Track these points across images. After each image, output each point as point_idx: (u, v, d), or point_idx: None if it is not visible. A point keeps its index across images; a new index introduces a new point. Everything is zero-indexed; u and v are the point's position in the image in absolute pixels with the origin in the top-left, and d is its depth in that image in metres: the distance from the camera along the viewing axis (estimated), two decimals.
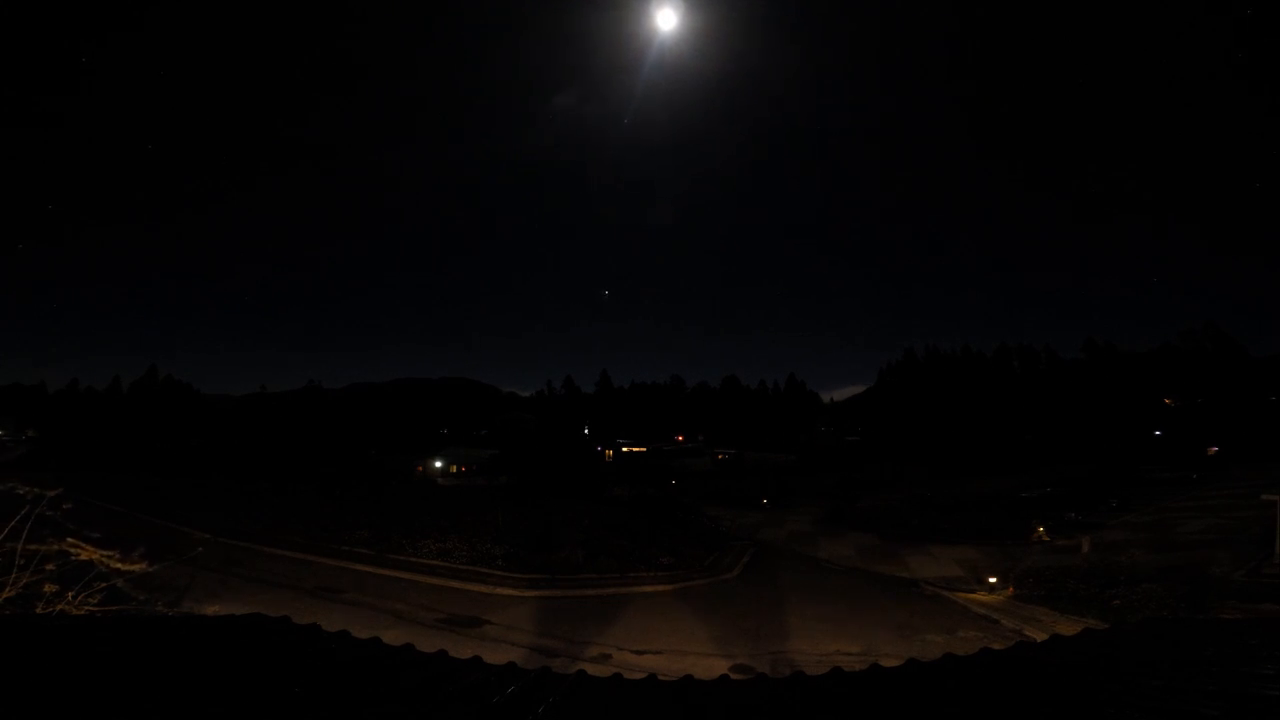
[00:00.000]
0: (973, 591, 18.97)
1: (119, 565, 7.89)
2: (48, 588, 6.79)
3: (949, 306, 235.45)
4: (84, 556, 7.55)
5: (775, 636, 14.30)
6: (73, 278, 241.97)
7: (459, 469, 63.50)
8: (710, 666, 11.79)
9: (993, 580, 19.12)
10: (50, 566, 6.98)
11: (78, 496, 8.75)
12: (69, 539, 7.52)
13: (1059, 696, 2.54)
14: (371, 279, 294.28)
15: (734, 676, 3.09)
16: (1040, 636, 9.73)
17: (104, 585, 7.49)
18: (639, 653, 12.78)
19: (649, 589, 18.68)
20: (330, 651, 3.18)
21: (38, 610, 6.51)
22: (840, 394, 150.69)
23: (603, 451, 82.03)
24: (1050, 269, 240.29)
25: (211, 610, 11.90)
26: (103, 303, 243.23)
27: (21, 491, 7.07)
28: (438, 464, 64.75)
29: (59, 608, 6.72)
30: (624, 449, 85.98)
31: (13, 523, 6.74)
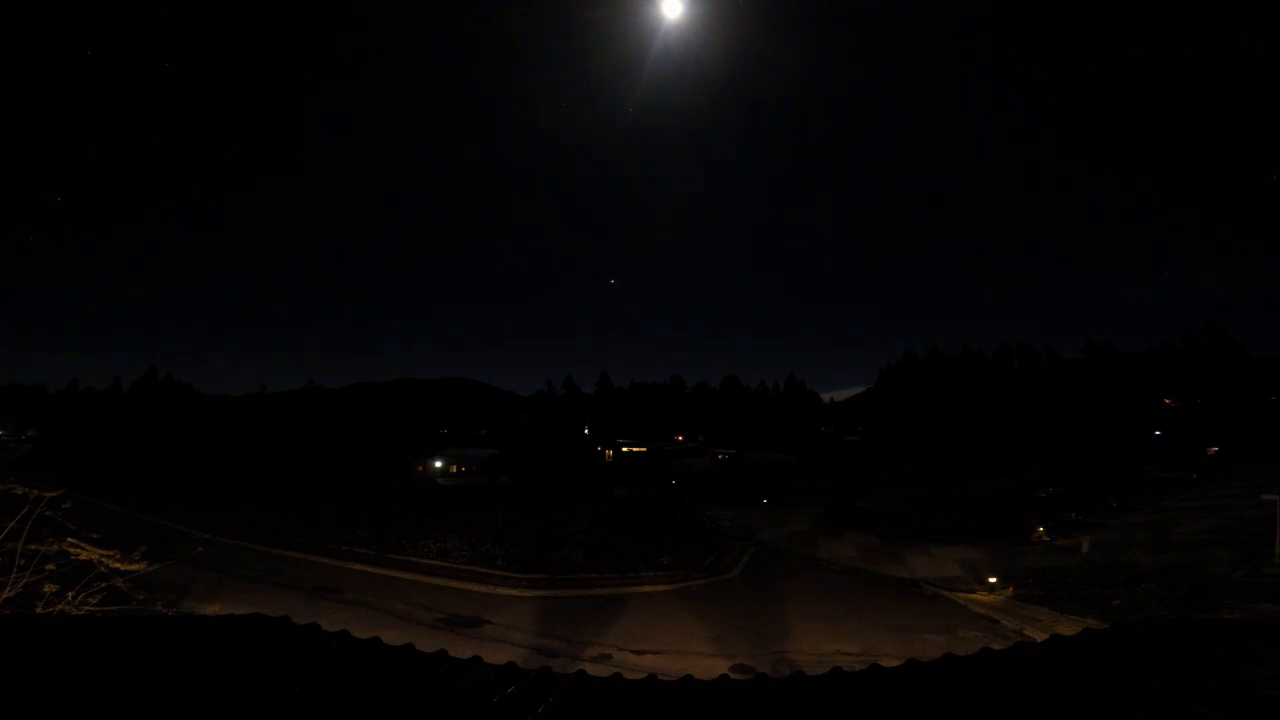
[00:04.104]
0: (973, 591, 18.97)
1: (119, 565, 7.89)
2: (48, 588, 6.79)
3: (949, 306, 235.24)
4: (84, 556, 7.55)
5: (775, 636, 14.30)
6: (73, 277, 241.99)
7: (459, 469, 63.44)
8: (710, 666, 11.80)
9: (993, 580, 19.11)
10: (50, 566, 6.98)
11: (78, 496, 8.75)
12: (69, 539, 7.52)
13: (1059, 696, 2.54)
14: (372, 279, 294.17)
15: (734, 676, 3.09)
16: (1040, 636, 9.72)
17: (104, 585, 7.50)
18: (639, 653, 12.78)
19: (649, 589, 18.68)
20: (330, 651, 3.17)
21: (38, 610, 6.51)
22: (840, 394, 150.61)
23: (603, 451, 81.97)
24: (1050, 269, 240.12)
25: (211, 610, 11.92)
26: (103, 303, 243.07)
27: (22, 492, 7.07)
28: (438, 464, 64.70)
29: (59, 608, 6.72)
30: (624, 449, 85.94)
31: (13, 523, 6.74)
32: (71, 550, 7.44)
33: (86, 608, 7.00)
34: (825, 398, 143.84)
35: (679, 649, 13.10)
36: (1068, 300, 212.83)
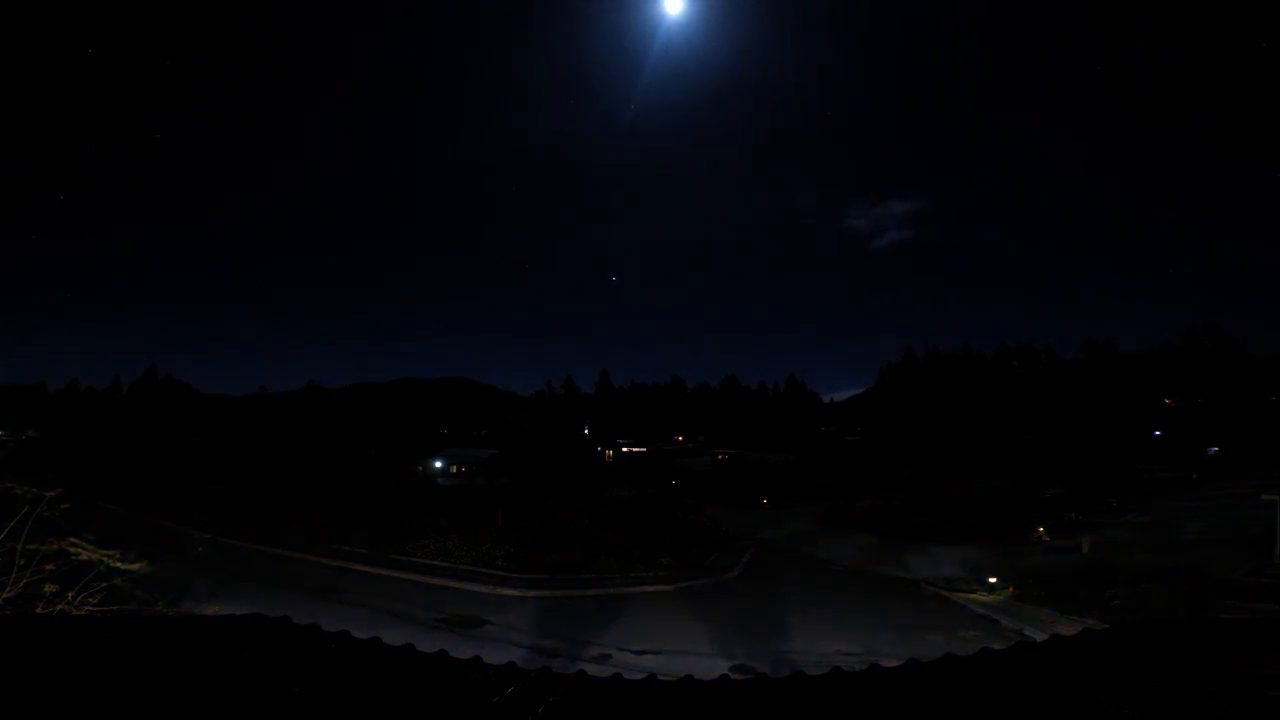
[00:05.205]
0: (973, 591, 18.98)
1: (119, 565, 7.89)
2: (48, 588, 6.78)
3: (949, 306, 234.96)
4: (84, 556, 7.55)
5: (775, 636, 14.30)
6: (73, 277, 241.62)
7: (459, 469, 63.42)
8: (710, 666, 11.80)
9: (993, 580, 19.13)
10: (50, 566, 6.98)
11: (78, 496, 8.76)
12: (69, 539, 7.52)
13: (1059, 696, 2.54)
14: (372, 278, 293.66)
15: (734, 676, 3.09)
16: (1040, 636, 9.72)
17: (104, 585, 7.49)
18: (639, 653, 12.79)
19: (649, 589, 18.69)
20: (330, 651, 3.17)
21: (38, 610, 6.50)
22: (840, 394, 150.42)
23: (603, 452, 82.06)
24: (1050, 269, 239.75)
25: (211, 610, 11.91)
26: (103, 303, 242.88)
27: (21, 492, 7.07)
28: (438, 464, 64.71)
29: (59, 608, 6.71)
30: (624, 449, 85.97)
31: (12, 523, 6.74)
32: (71, 550, 7.44)
33: (86, 608, 6.99)
34: (825, 398, 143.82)
35: (679, 649, 13.10)
36: (1068, 300, 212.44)
